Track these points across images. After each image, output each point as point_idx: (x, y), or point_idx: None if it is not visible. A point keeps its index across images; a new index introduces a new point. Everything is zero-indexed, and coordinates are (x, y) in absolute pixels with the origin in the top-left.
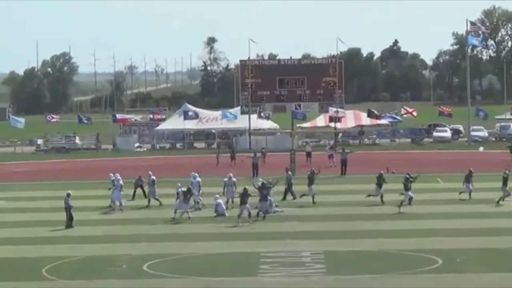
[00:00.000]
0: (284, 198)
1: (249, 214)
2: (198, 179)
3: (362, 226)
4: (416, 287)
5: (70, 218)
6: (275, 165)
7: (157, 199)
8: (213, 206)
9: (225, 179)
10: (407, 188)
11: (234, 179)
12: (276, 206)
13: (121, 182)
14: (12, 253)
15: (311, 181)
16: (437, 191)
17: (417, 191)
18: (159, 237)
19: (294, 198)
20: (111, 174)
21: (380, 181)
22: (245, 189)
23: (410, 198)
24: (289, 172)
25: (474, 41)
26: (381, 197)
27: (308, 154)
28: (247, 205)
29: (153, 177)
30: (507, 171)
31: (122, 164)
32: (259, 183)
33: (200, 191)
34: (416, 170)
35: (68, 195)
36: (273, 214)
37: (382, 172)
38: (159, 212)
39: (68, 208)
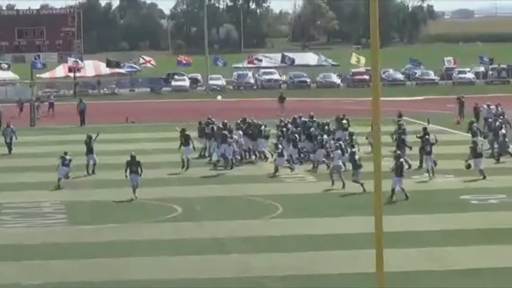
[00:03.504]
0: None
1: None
2: None
3: (103, 176)
4: (155, 235)
5: None
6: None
7: None
8: None
9: None
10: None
11: None
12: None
13: None
14: None
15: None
16: (173, 140)
17: (156, 140)
18: None
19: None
20: None
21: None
22: (132, 156)
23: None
24: (11, 126)
25: None
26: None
27: (51, 105)
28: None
29: None
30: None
31: None
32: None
33: None
34: (156, 119)
35: None
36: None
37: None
38: None
39: None
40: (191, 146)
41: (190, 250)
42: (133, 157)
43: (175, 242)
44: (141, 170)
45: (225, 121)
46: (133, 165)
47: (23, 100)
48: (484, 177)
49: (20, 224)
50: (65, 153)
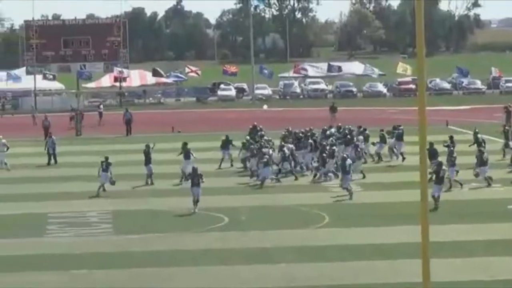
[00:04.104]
0: (49, 163)
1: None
2: (4, 141)
3: (153, 185)
4: (202, 245)
5: None
6: (59, 126)
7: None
8: None
9: None
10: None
11: (4, 140)
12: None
13: None
14: None
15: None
16: (218, 150)
17: (201, 150)
18: None
19: (55, 162)
20: None
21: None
22: (194, 168)
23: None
24: (53, 137)
25: (257, 1)
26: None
27: (100, 115)
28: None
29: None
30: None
31: None
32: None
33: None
34: (201, 129)
35: None
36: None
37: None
38: None
39: None
40: (191, 159)
41: (237, 259)
42: (195, 169)
43: (221, 252)
44: (203, 182)
45: (262, 140)
46: (195, 177)
47: (82, 109)
48: (489, 185)
49: (66, 233)
50: (106, 158)
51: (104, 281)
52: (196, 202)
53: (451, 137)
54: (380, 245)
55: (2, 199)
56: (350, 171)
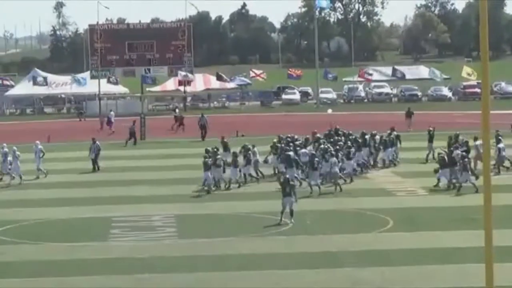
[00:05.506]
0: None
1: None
2: (40, 146)
3: (218, 190)
4: (267, 249)
5: None
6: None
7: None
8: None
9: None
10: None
11: (40, 146)
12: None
13: None
14: None
15: None
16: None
17: (263, 153)
18: (8, 203)
19: (98, 168)
20: None
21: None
22: (286, 178)
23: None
24: (97, 142)
25: (322, 3)
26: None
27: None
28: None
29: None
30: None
31: None
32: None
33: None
34: (266, 132)
35: None
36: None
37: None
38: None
39: None
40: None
41: (302, 263)
42: (286, 180)
43: (286, 256)
44: (295, 194)
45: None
46: (287, 187)
47: (178, 114)
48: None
49: (130, 237)
50: (205, 157)
51: (168, 285)
52: (291, 213)
53: (466, 142)
54: (444, 249)
55: (66, 203)
56: (318, 167)
